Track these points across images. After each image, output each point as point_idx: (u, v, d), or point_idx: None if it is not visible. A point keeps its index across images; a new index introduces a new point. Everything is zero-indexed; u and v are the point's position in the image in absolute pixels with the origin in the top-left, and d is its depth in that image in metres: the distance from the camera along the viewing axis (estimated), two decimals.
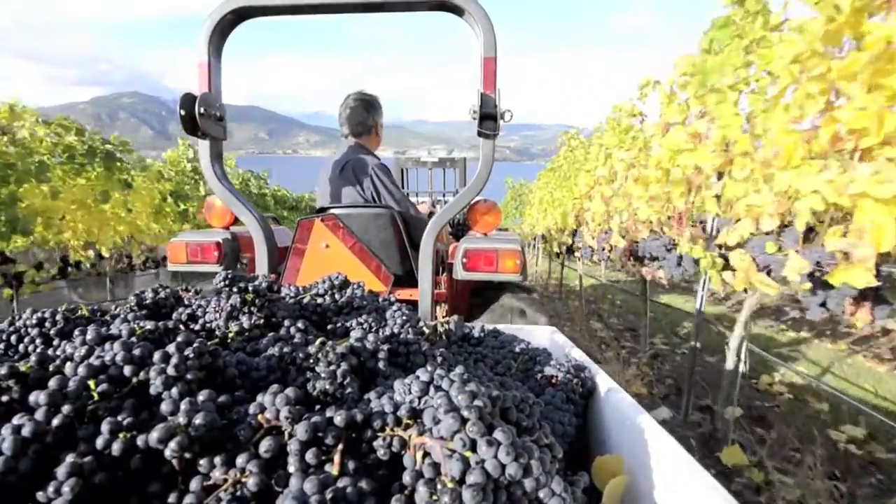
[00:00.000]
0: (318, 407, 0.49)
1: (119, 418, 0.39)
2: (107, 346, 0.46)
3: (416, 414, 0.44)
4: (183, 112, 1.40)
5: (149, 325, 0.54)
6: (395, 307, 0.80)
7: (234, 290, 0.69)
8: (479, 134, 1.45)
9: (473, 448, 0.38)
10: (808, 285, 1.34)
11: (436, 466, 0.38)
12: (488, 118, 1.43)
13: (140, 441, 0.37)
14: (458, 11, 1.45)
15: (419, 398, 0.47)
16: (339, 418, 0.41)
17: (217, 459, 0.39)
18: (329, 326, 0.75)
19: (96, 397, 0.41)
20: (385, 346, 0.59)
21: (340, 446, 0.41)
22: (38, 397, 0.39)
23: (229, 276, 0.70)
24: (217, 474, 0.38)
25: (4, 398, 0.43)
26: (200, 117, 1.43)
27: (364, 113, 2.10)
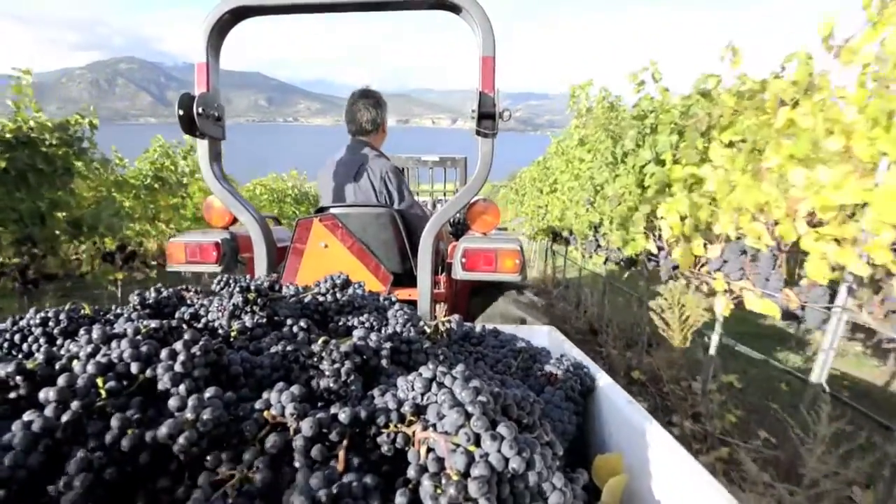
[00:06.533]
0: (321, 404, 0.50)
1: (128, 414, 0.40)
2: (113, 344, 0.47)
3: (419, 410, 0.45)
4: (181, 112, 1.40)
5: (153, 323, 0.54)
6: (396, 307, 0.81)
7: (237, 289, 0.69)
8: (478, 133, 1.45)
9: (477, 442, 0.39)
10: None
11: (440, 461, 0.39)
12: (487, 117, 1.44)
13: (148, 436, 0.38)
14: (455, 10, 1.45)
15: (422, 395, 0.47)
16: (343, 415, 0.42)
17: (224, 455, 0.39)
18: (331, 325, 0.76)
19: (104, 394, 0.41)
20: (387, 345, 0.60)
21: (345, 442, 0.42)
22: (47, 394, 0.39)
23: (226, 278, 0.71)
24: (224, 469, 0.39)
25: (13, 395, 0.43)
26: (199, 117, 1.43)
27: (373, 111, 2.08)
